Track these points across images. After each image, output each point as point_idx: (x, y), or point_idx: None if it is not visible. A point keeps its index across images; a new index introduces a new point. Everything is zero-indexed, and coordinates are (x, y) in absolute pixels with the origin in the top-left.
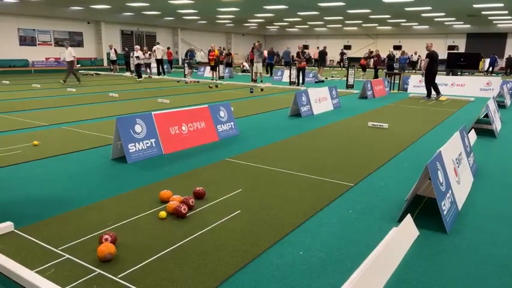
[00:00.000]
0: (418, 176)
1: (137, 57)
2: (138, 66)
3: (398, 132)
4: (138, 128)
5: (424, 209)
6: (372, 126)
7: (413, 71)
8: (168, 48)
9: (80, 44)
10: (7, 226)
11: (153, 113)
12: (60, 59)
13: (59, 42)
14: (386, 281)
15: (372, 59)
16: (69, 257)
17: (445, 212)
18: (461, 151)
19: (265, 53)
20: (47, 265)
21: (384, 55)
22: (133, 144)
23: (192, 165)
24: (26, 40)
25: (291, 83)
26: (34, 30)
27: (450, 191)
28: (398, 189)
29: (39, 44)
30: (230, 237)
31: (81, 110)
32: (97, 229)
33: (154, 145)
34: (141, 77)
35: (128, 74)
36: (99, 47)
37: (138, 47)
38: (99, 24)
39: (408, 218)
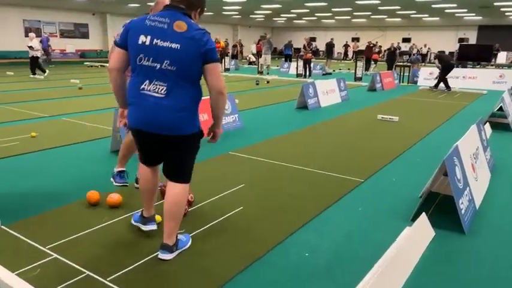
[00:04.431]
0: (430, 171)
1: (30, 47)
2: (33, 60)
3: (409, 126)
4: None
5: (439, 207)
6: (382, 119)
7: (423, 63)
8: None
9: (85, 35)
10: None
11: None
12: (65, 50)
13: (64, 34)
14: (402, 285)
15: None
16: (57, 256)
17: (462, 211)
18: (478, 145)
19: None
20: (33, 265)
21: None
22: None
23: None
24: (31, 31)
25: (297, 75)
26: (39, 21)
27: (468, 189)
28: (411, 185)
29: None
30: (231, 236)
31: (82, 102)
32: (90, 226)
33: None
34: (34, 73)
35: None
36: (105, 39)
37: (32, 34)
38: (105, 16)
39: (423, 217)
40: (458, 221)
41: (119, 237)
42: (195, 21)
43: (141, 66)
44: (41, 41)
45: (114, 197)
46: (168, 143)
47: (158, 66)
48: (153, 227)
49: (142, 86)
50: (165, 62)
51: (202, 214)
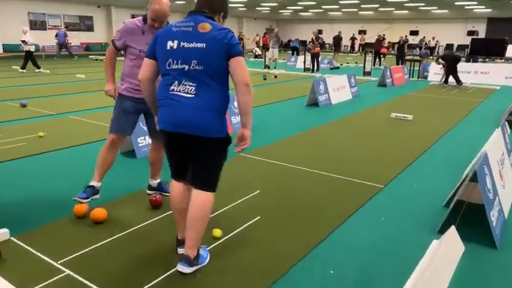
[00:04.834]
0: (450, 175)
1: (24, 41)
2: (27, 54)
3: (424, 125)
4: None
5: (466, 216)
6: (396, 117)
7: (431, 57)
8: None
9: (90, 28)
10: (2, 234)
11: None
12: (71, 44)
13: (69, 27)
14: None
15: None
16: (70, 273)
17: (494, 224)
18: (504, 150)
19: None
20: (44, 284)
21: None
22: (143, 137)
23: None
24: (37, 24)
25: (305, 69)
26: (44, 14)
27: (497, 198)
28: (432, 191)
29: (49, 28)
30: (251, 250)
31: (89, 98)
32: (102, 238)
33: None
34: (38, 67)
35: None
36: (110, 32)
37: (26, 28)
38: (110, 8)
39: (452, 230)
40: (487, 233)
41: (133, 251)
42: (219, 24)
43: (170, 70)
44: (56, 35)
45: (98, 213)
46: (196, 144)
47: (187, 67)
48: (187, 270)
49: (172, 87)
50: (193, 62)
51: (218, 226)
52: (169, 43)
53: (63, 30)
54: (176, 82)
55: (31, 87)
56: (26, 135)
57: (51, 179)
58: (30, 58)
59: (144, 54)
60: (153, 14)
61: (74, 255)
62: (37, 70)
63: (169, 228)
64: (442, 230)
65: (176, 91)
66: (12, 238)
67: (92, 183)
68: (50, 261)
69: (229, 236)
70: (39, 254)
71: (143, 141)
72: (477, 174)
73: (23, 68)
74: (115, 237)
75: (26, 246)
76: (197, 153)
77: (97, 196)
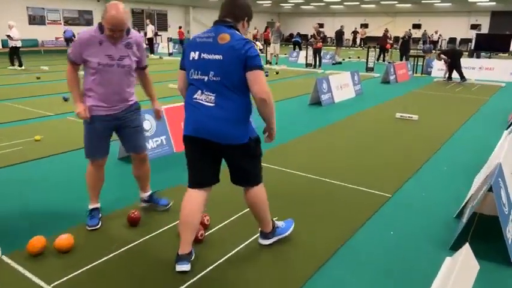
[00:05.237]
0: (460, 183)
1: (9, 36)
2: (12, 50)
3: (430, 126)
4: (147, 125)
5: (478, 229)
6: (401, 117)
7: (434, 51)
8: (180, 27)
9: (89, 23)
10: None
11: (163, 107)
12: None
13: (68, 22)
14: None
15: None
16: None
17: (509, 241)
18: None
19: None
20: None
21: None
22: None
23: None
24: (36, 19)
25: (307, 65)
26: (43, 8)
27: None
28: (442, 201)
29: (48, 23)
30: (255, 268)
31: None
32: (97, 256)
33: (165, 143)
34: (13, 64)
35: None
36: None
37: (11, 23)
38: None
39: (467, 248)
40: (502, 249)
41: (132, 270)
42: (244, 30)
43: (193, 79)
44: (64, 32)
45: (62, 240)
46: (220, 151)
47: (206, 78)
48: (186, 267)
49: (195, 96)
50: (211, 73)
51: (221, 240)
52: (192, 54)
53: (71, 30)
54: (199, 91)
55: (28, 86)
56: (22, 138)
57: (48, 189)
58: (15, 54)
59: (102, 67)
60: (110, 22)
61: (69, 276)
62: (11, 67)
63: (166, 245)
64: (455, 247)
65: (199, 99)
66: (3, 257)
67: (93, 206)
68: (42, 284)
69: (232, 253)
70: (31, 276)
71: None
72: (493, 188)
73: (20, 65)
74: (111, 255)
75: (18, 267)
76: (229, 160)
77: (100, 214)
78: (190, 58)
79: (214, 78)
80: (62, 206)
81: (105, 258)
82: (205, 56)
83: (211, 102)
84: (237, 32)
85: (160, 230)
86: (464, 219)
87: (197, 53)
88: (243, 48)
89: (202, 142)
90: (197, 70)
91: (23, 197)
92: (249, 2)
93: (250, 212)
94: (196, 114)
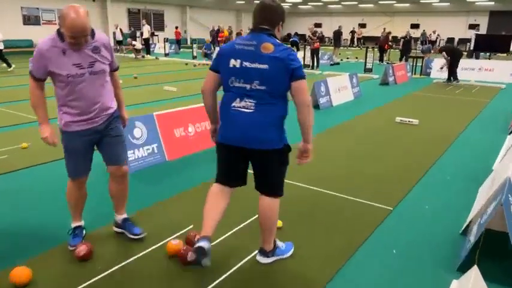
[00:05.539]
0: (463, 194)
1: None
2: None
3: (430, 130)
4: (137, 133)
5: (486, 246)
6: (400, 122)
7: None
8: (176, 27)
9: None
10: None
11: (154, 113)
12: None
13: None
14: None
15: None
16: None
17: None
18: None
19: None
20: None
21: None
22: (132, 151)
23: (200, 176)
24: (30, 19)
25: (304, 66)
26: (38, 8)
27: None
28: (446, 213)
29: (43, 24)
30: (252, 285)
31: None
32: (83, 279)
33: (156, 151)
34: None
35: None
36: (105, 27)
37: None
38: (105, 3)
39: (475, 271)
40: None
41: None
42: (279, 34)
43: (232, 87)
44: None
45: (18, 273)
46: (257, 157)
47: (248, 86)
48: (204, 244)
49: (234, 104)
50: (255, 82)
51: (217, 259)
52: (232, 61)
53: None
54: (238, 99)
55: (19, 88)
56: (7, 146)
57: (36, 201)
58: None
59: (73, 79)
60: (71, 28)
61: None
62: None
63: (159, 264)
64: (462, 268)
65: (237, 107)
66: None
67: (76, 224)
68: None
69: (225, 276)
70: None
71: (132, 155)
72: (503, 207)
73: (9, 66)
74: (96, 278)
75: None
76: (260, 165)
77: (84, 232)
78: (231, 65)
79: (259, 87)
80: (49, 220)
81: (89, 282)
82: (247, 64)
83: (250, 109)
84: (277, 40)
85: (149, 250)
86: (472, 239)
87: (238, 61)
88: (288, 58)
89: (237, 150)
90: (239, 78)
91: (8, 211)
92: (281, 5)
93: (247, 228)
94: (234, 122)
